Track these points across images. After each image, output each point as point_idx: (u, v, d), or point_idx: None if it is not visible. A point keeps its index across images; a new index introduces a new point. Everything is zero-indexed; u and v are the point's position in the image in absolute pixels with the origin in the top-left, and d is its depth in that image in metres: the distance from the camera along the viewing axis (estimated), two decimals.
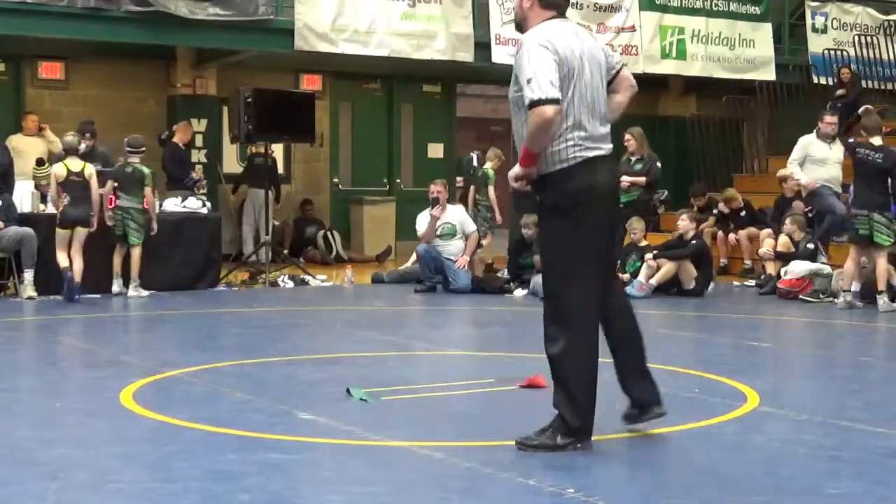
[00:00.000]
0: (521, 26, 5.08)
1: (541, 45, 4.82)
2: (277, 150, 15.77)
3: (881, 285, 10.98)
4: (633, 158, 13.36)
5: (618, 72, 5.13)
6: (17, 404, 6.27)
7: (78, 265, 11.22)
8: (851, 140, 11.46)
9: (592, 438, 4.98)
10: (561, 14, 5.02)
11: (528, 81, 4.76)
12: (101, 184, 11.64)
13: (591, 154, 4.89)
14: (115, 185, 11.79)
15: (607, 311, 5.08)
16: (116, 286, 11.75)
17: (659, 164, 13.49)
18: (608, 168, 5.00)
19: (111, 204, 11.89)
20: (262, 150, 15.42)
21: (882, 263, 10.97)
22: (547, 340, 4.98)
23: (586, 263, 4.89)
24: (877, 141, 11.17)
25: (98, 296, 11.47)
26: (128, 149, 11.92)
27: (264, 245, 13.47)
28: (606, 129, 5.01)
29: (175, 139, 14.60)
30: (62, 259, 11.17)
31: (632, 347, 5.20)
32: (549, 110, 4.73)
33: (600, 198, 4.91)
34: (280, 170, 16.69)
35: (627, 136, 13.34)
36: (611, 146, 5.02)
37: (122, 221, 11.69)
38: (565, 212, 4.90)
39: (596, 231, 4.92)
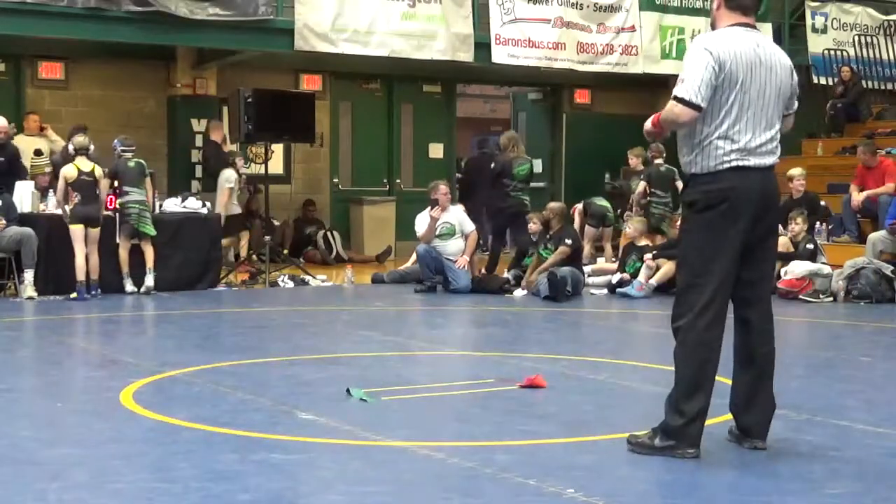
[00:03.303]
0: (713, 27, 5.12)
1: (705, 48, 4.86)
2: (277, 150, 15.77)
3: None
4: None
5: (785, 116, 5.10)
6: (18, 404, 6.27)
7: (94, 261, 11.38)
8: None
9: (690, 449, 4.82)
10: (747, 16, 5.00)
11: (681, 80, 4.84)
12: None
13: (737, 164, 4.84)
14: (115, 181, 11.88)
15: (747, 331, 5.02)
16: (130, 286, 11.79)
17: None
18: (758, 177, 4.88)
19: (111, 204, 11.90)
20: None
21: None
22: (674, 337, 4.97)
23: (712, 267, 4.84)
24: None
25: (98, 295, 11.45)
26: (122, 148, 12.08)
27: (265, 245, 13.46)
28: (770, 145, 4.92)
29: (213, 138, 14.70)
30: (80, 265, 11.20)
31: (754, 379, 5.04)
32: (683, 114, 4.81)
33: (740, 203, 4.83)
34: (280, 170, 16.69)
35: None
36: (769, 160, 4.92)
37: (139, 215, 11.78)
38: (701, 211, 4.90)
39: (728, 236, 4.84)
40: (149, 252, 11.88)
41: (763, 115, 4.91)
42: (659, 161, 14.40)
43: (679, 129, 4.95)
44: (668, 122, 4.93)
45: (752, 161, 4.88)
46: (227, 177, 14.54)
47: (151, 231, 11.91)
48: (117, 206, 11.92)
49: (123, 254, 11.86)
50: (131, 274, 11.85)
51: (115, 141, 12.26)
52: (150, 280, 11.80)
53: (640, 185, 14.50)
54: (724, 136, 4.86)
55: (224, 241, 13.48)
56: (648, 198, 14.29)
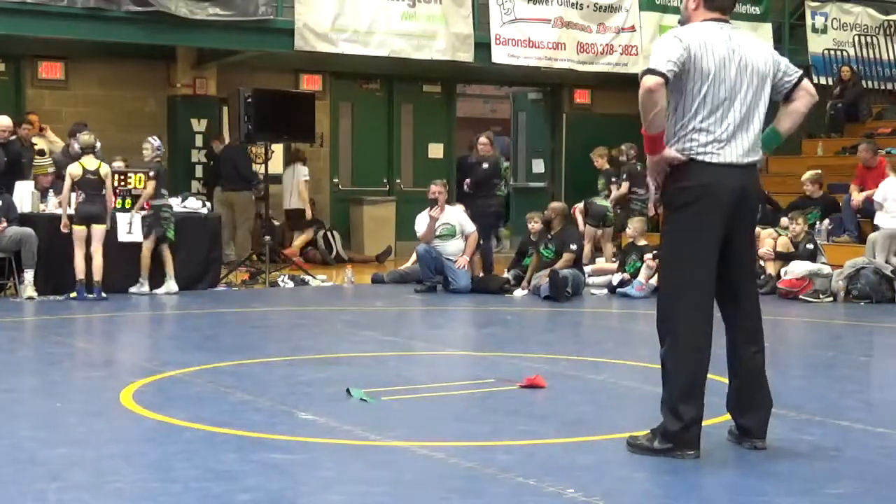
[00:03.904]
0: (683, 24, 5.08)
1: (674, 35, 4.86)
2: (277, 150, 15.77)
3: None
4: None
5: (797, 83, 5.05)
6: (18, 404, 6.27)
7: (98, 262, 11.29)
8: None
9: (689, 450, 4.81)
10: (724, 14, 4.97)
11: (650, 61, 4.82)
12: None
13: (711, 159, 4.81)
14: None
15: (736, 332, 5.00)
16: (146, 287, 11.81)
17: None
18: (735, 175, 4.84)
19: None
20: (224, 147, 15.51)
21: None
22: (659, 340, 4.95)
23: (693, 266, 4.82)
24: None
25: (93, 295, 11.42)
26: (162, 150, 12.15)
27: (264, 245, 13.46)
28: (747, 139, 4.87)
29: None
30: (80, 265, 11.15)
31: (744, 379, 5.01)
32: (648, 80, 4.70)
33: (715, 201, 4.80)
34: (280, 170, 16.65)
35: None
36: (751, 158, 4.88)
37: (169, 220, 11.88)
38: (678, 209, 4.87)
39: (705, 236, 4.81)
40: (169, 256, 11.95)
41: (739, 111, 4.85)
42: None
43: (654, 107, 4.73)
44: (645, 103, 4.74)
45: (728, 157, 4.84)
46: (304, 171, 15.80)
47: (173, 237, 11.98)
48: (153, 208, 11.91)
49: (147, 254, 11.84)
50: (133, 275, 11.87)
51: (157, 142, 12.15)
52: (173, 285, 11.90)
53: (624, 186, 14.87)
54: (699, 129, 4.82)
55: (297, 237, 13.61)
56: (629, 195, 14.61)
